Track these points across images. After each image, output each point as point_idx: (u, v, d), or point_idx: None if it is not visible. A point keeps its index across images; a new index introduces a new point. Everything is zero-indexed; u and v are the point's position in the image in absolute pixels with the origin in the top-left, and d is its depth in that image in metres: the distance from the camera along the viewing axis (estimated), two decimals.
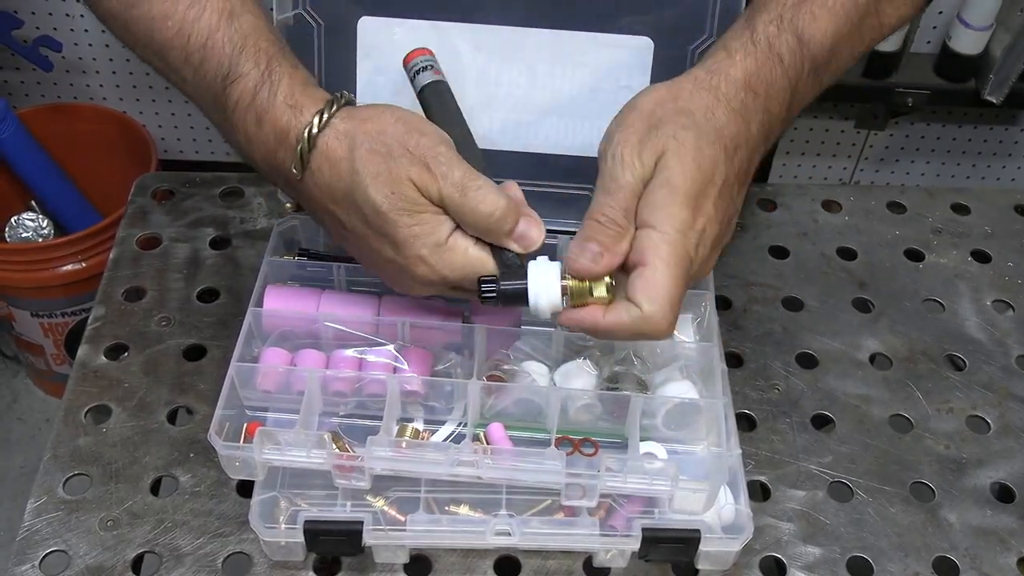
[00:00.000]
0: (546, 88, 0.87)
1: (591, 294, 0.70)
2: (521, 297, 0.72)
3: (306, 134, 0.71)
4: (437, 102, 0.78)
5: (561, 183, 0.89)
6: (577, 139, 0.88)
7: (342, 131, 0.71)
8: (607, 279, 0.70)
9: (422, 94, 0.79)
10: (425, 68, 0.79)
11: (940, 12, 1.90)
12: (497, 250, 0.73)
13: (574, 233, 0.87)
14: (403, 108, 0.73)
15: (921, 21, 1.89)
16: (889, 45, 1.84)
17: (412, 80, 0.80)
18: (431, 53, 0.79)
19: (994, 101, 1.86)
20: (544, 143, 0.88)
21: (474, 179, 0.70)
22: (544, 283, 0.71)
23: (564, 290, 0.71)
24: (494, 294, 0.72)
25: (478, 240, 0.73)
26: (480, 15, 0.84)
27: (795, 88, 0.74)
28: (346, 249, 0.78)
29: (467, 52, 0.85)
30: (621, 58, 0.85)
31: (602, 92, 0.86)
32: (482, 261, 0.72)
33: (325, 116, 0.71)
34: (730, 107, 0.72)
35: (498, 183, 0.73)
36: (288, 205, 0.80)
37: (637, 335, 0.70)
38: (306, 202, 0.76)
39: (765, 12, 0.75)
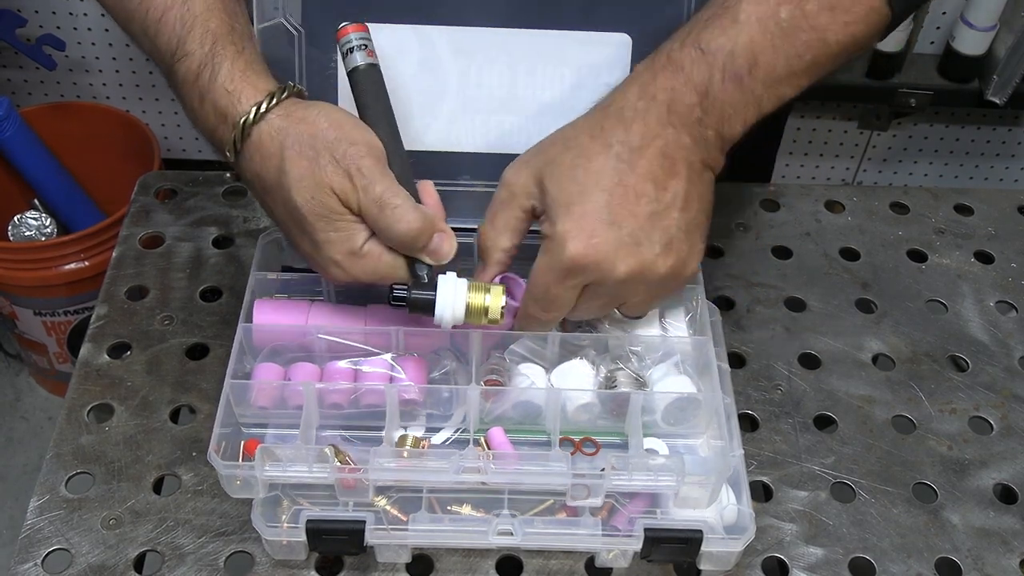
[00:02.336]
0: (527, 89, 0.87)
1: (486, 315, 0.79)
2: (428, 307, 0.78)
3: (241, 123, 0.74)
4: (366, 89, 0.79)
5: None
6: None
7: (276, 128, 0.74)
8: (501, 304, 0.79)
9: (352, 76, 0.79)
10: (359, 47, 0.79)
11: (944, 12, 1.90)
12: (411, 259, 0.77)
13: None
14: (342, 111, 0.76)
15: (925, 21, 1.89)
16: (892, 45, 1.84)
17: (344, 57, 0.79)
18: (366, 29, 0.79)
19: (997, 102, 1.86)
20: (527, 143, 0.88)
21: (393, 196, 0.73)
22: (451, 299, 0.77)
23: (466, 308, 0.78)
24: (403, 303, 0.78)
25: (392, 248, 0.76)
26: (459, 17, 0.85)
27: (706, 92, 0.75)
28: (276, 225, 0.81)
29: (447, 55, 0.86)
30: (600, 56, 0.86)
31: (583, 90, 0.87)
32: (394, 267, 0.77)
33: (262, 109, 0.74)
34: (622, 119, 0.75)
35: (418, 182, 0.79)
36: (228, 175, 0.83)
37: (521, 320, 0.81)
38: (242, 180, 0.80)
39: (670, 41, 0.77)
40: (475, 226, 0.82)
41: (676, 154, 0.75)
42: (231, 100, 0.74)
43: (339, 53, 0.80)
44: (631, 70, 0.86)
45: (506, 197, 0.78)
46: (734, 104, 0.75)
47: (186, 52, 0.76)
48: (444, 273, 0.78)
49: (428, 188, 0.80)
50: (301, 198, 0.73)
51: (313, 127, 0.74)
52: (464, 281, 0.79)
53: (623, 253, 0.73)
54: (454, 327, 0.80)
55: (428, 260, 0.77)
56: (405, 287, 0.77)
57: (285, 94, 0.75)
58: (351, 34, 0.79)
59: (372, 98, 0.79)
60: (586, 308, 0.79)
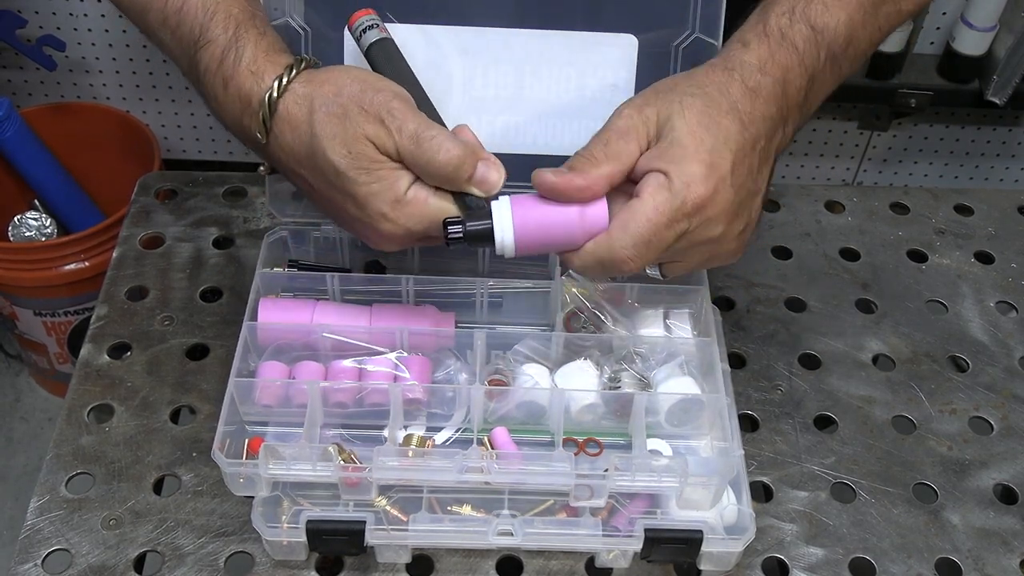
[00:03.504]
0: (533, 89, 0.87)
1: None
2: (487, 237, 0.73)
3: (267, 99, 0.73)
4: (385, 59, 0.79)
5: None
6: (566, 139, 0.88)
7: (301, 95, 0.73)
8: None
9: (369, 53, 0.79)
10: (370, 27, 0.79)
11: (944, 13, 1.90)
12: (459, 195, 0.74)
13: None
14: (360, 68, 0.76)
15: (925, 22, 1.89)
16: (892, 46, 1.84)
17: (358, 41, 0.80)
18: (374, 12, 0.80)
19: (997, 102, 1.86)
20: (533, 144, 0.88)
21: (428, 129, 0.71)
22: (509, 219, 0.72)
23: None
24: (460, 234, 0.72)
25: (438, 189, 0.73)
26: (465, 18, 0.85)
27: (813, 75, 0.76)
28: (318, 208, 0.80)
29: (454, 56, 0.86)
30: (606, 56, 0.86)
31: (588, 90, 0.87)
32: (443, 209, 0.73)
33: (284, 81, 0.73)
34: (745, 85, 0.73)
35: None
36: (262, 168, 0.81)
37: (600, 261, 0.72)
38: (275, 164, 0.78)
39: (777, 6, 0.77)
40: None
41: (774, 139, 0.75)
42: (255, 81, 0.73)
43: (353, 40, 0.80)
44: (636, 71, 0.86)
45: (625, 127, 0.72)
46: (826, 84, 0.77)
47: (209, 39, 0.75)
48: (496, 199, 0.74)
49: (464, 129, 0.76)
50: (337, 155, 0.71)
51: (336, 86, 0.73)
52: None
53: (729, 216, 0.72)
54: (519, 256, 0.74)
55: (477, 192, 0.73)
56: (459, 219, 0.72)
57: (304, 65, 0.74)
58: (362, 17, 0.79)
59: (393, 65, 0.78)
60: (665, 258, 0.74)
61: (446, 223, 0.73)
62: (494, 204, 0.73)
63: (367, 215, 0.73)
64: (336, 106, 0.72)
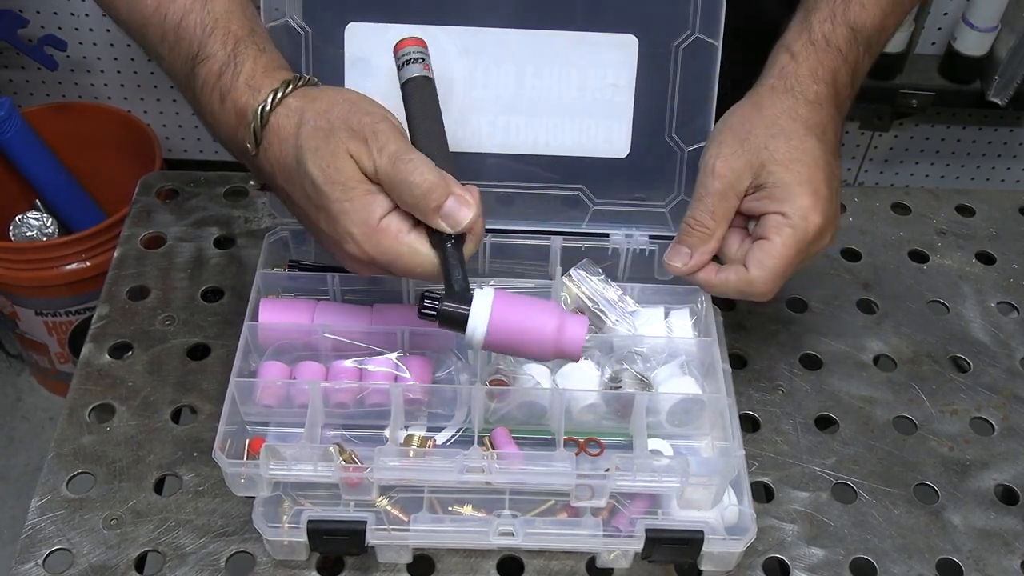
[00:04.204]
0: (533, 89, 0.87)
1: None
2: (460, 323, 0.72)
3: (259, 111, 0.73)
4: (419, 98, 0.77)
5: (551, 184, 0.90)
6: (566, 139, 0.88)
7: (292, 108, 0.73)
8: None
9: (406, 87, 0.78)
10: (415, 60, 0.78)
11: (945, 13, 1.90)
12: (447, 269, 0.72)
13: (564, 234, 0.89)
14: (356, 91, 0.76)
15: (926, 22, 1.89)
16: (894, 46, 1.84)
17: (399, 69, 0.79)
18: (424, 45, 0.79)
19: (999, 103, 1.86)
20: (533, 144, 0.88)
21: (408, 152, 0.71)
22: (486, 316, 0.71)
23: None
24: (434, 312, 0.71)
25: (415, 227, 0.72)
26: (466, 17, 0.85)
27: (854, 70, 0.84)
28: (301, 223, 0.79)
29: (454, 55, 0.86)
30: (606, 56, 0.86)
31: (588, 91, 0.87)
32: (412, 250, 0.72)
33: (279, 95, 0.73)
34: (807, 100, 0.82)
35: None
36: (252, 183, 0.81)
37: (740, 292, 0.81)
38: (264, 178, 0.78)
39: (818, 12, 0.84)
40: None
41: (839, 133, 0.84)
42: (251, 95, 0.74)
43: (395, 65, 0.79)
44: (637, 71, 0.86)
45: (723, 188, 0.80)
46: (864, 69, 0.86)
47: (207, 54, 0.75)
48: (481, 288, 0.72)
49: (474, 190, 0.74)
50: (317, 168, 0.71)
51: (328, 103, 0.73)
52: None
53: (833, 223, 0.81)
54: (485, 349, 0.74)
55: (443, 226, 0.71)
56: (437, 297, 0.71)
57: (301, 82, 0.74)
58: (409, 47, 0.78)
59: (424, 105, 0.77)
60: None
61: (423, 296, 0.72)
62: (477, 293, 0.72)
63: (336, 233, 0.72)
64: (324, 121, 0.72)
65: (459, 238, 0.72)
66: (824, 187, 0.79)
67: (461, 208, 0.71)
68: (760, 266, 0.79)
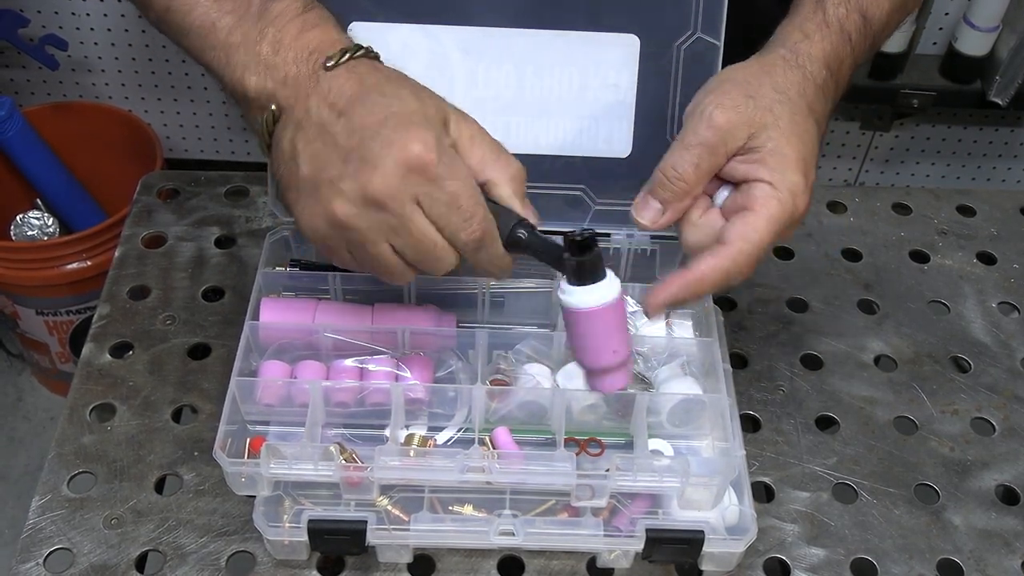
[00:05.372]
0: (535, 89, 0.87)
1: None
2: (593, 274, 0.72)
3: (357, 47, 0.71)
4: None
5: (552, 184, 0.90)
6: (567, 139, 0.88)
7: (377, 65, 0.72)
8: None
9: None
10: None
11: (946, 13, 1.90)
12: (550, 248, 0.71)
13: (566, 234, 0.87)
14: None
15: (927, 22, 1.89)
16: (895, 46, 1.84)
17: None
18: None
19: (1000, 103, 1.86)
20: (534, 144, 0.88)
21: (482, 129, 0.72)
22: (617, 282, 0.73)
23: None
24: (587, 244, 0.70)
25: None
26: (468, 17, 0.85)
27: (856, 61, 0.81)
28: (287, 172, 0.71)
29: (456, 55, 0.86)
30: (608, 56, 0.86)
31: (590, 91, 0.87)
32: (479, 200, 0.69)
33: (370, 49, 0.72)
34: (815, 84, 0.77)
35: None
36: (266, 113, 0.75)
37: (724, 277, 0.72)
38: (309, 99, 0.70)
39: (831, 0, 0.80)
40: None
41: (827, 128, 0.80)
42: (343, 37, 0.72)
43: None
44: (639, 71, 0.86)
45: (715, 141, 0.73)
46: (854, 71, 0.82)
47: (266, 8, 0.72)
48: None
49: None
50: (414, 95, 0.69)
51: (402, 73, 0.73)
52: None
53: (811, 201, 0.75)
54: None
55: (528, 215, 0.72)
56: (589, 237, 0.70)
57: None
58: None
59: None
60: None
61: (582, 234, 0.69)
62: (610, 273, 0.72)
63: (403, 134, 0.66)
64: (407, 90, 0.70)
65: (530, 226, 0.72)
66: (812, 173, 0.74)
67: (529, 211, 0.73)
68: (747, 240, 0.71)
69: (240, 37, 0.73)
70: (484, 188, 0.71)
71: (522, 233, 0.71)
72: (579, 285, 0.71)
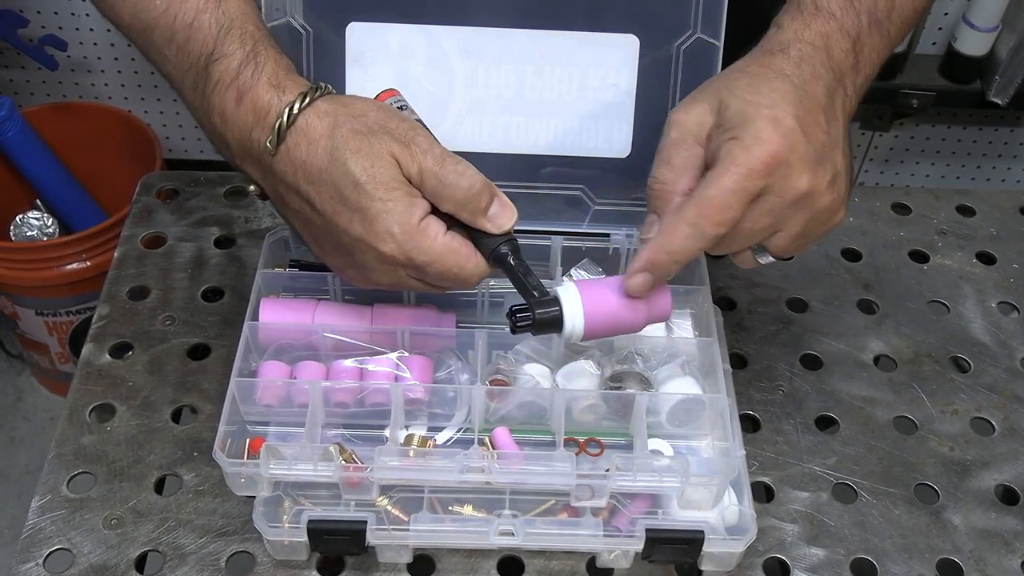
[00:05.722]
0: (534, 89, 0.87)
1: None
2: (556, 325, 0.73)
3: (287, 111, 0.72)
4: None
5: (552, 184, 0.90)
6: (567, 139, 0.89)
7: (324, 110, 0.72)
8: None
9: None
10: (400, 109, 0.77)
11: (946, 13, 1.90)
12: (521, 278, 0.74)
13: (564, 234, 0.88)
14: (383, 103, 0.75)
15: (926, 22, 1.89)
16: None
17: None
18: (398, 93, 0.79)
19: (999, 103, 1.86)
20: (534, 144, 0.88)
21: (451, 155, 0.72)
22: (580, 308, 0.73)
23: None
24: (530, 321, 0.73)
25: (450, 228, 0.73)
26: (467, 17, 0.85)
27: (857, 38, 0.77)
28: (304, 235, 0.78)
29: (455, 55, 0.86)
30: (608, 56, 0.86)
31: (590, 91, 0.87)
32: (451, 250, 0.72)
33: (308, 98, 0.72)
34: (787, 57, 0.74)
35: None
36: (252, 188, 0.79)
37: (692, 228, 0.70)
38: (275, 182, 0.75)
39: None
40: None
41: (836, 99, 0.75)
42: (275, 94, 0.72)
43: None
44: (638, 71, 0.86)
45: (679, 136, 0.73)
46: (877, 49, 0.78)
47: (224, 53, 0.74)
48: (562, 284, 0.75)
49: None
50: (358, 167, 0.70)
51: (361, 108, 0.73)
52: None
53: (807, 166, 0.71)
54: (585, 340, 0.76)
55: (489, 226, 0.73)
56: (526, 307, 0.73)
57: (327, 89, 0.74)
58: (387, 100, 0.78)
59: None
60: (750, 226, 0.72)
61: (513, 311, 0.73)
62: (560, 291, 0.74)
63: (373, 233, 0.71)
64: (361, 124, 0.71)
65: (514, 248, 0.74)
66: (792, 123, 0.70)
67: (504, 210, 0.73)
68: (709, 186, 0.69)
69: (198, 102, 0.76)
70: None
71: (504, 250, 0.73)
72: (559, 329, 0.74)
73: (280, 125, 0.72)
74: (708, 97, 0.73)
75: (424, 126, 0.76)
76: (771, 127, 0.69)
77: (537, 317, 0.73)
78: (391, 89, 0.79)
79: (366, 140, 0.71)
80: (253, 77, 0.73)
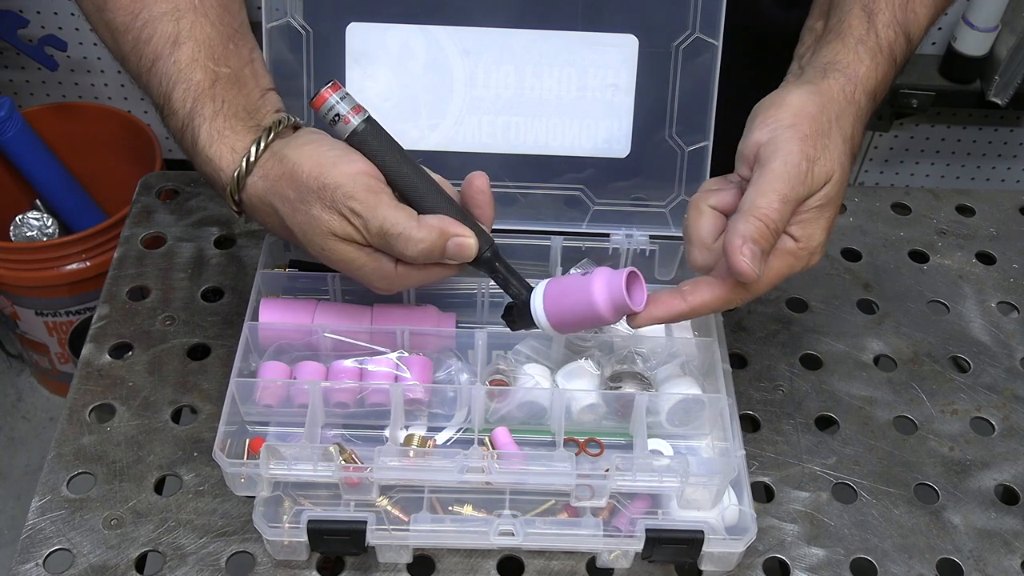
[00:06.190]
0: (534, 89, 0.87)
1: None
2: (531, 323, 0.77)
3: (228, 192, 0.75)
4: (373, 145, 0.75)
5: (551, 184, 0.90)
6: (566, 139, 0.89)
7: (260, 191, 0.74)
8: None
9: (353, 139, 0.75)
10: (343, 111, 0.74)
11: (945, 13, 1.90)
12: (503, 281, 0.78)
13: (564, 234, 0.87)
14: (317, 146, 0.73)
15: None
16: None
17: (332, 125, 0.75)
18: (340, 86, 0.75)
19: (999, 103, 1.86)
20: (534, 144, 0.88)
21: (392, 225, 0.71)
22: (541, 306, 0.77)
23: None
24: (510, 318, 0.79)
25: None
26: (467, 18, 0.85)
27: (899, 73, 0.82)
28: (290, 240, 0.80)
29: (454, 56, 0.86)
30: (607, 56, 0.86)
31: (589, 91, 0.87)
32: (436, 275, 0.76)
33: (243, 172, 0.74)
34: (859, 117, 0.77)
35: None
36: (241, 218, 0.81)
37: (722, 306, 0.74)
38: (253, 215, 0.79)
39: (882, 14, 0.79)
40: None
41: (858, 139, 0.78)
42: (214, 168, 0.75)
43: (325, 123, 0.76)
44: (637, 71, 0.86)
45: (804, 192, 0.73)
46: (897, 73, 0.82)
47: (172, 110, 0.76)
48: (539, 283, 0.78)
49: (481, 177, 0.77)
50: (315, 247, 0.74)
51: (294, 180, 0.72)
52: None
53: (844, 175, 0.75)
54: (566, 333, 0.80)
55: (455, 263, 0.75)
56: (509, 306, 0.79)
57: (263, 146, 0.73)
58: (329, 99, 0.74)
59: (384, 153, 0.75)
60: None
61: (506, 308, 0.79)
62: (534, 290, 0.77)
63: (362, 281, 0.76)
64: (299, 202, 0.72)
65: (495, 251, 0.77)
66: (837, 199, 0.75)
67: (463, 244, 0.74)
68: (759, 197, 0.70)
69: (186, 144, 0.77)
70: None
71: (487, 255, 0.77)
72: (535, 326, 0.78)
73: (231, 204, 0.76)
74: (829, 165, 0.74)
75: (373, 120, 0.75)
76: (808, 148, 0.72)
77: (508, 319, 0.79)
78: (334, 83, 0.75)
79: (308, 220, 0.73)
80: (192, 145, 0.75)
